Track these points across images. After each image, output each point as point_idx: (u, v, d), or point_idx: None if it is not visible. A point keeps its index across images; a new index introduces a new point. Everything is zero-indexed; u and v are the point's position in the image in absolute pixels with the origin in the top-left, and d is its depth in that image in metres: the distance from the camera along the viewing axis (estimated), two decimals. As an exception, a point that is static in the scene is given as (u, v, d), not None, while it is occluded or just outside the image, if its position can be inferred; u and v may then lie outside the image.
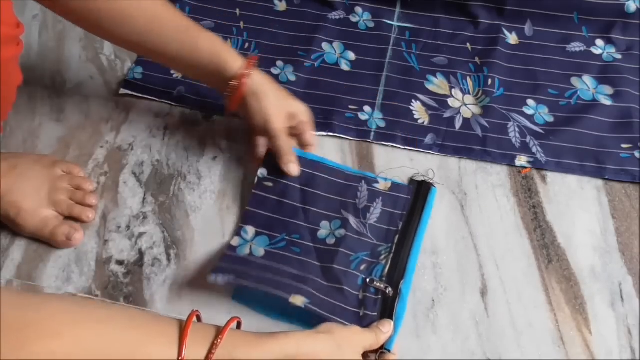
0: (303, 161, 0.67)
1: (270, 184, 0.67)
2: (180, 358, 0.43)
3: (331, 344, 0.50)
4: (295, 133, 0.67)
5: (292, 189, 0.66)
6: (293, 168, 0.66)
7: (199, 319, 0.51)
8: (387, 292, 0.59)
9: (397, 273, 0.60)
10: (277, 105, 0.63)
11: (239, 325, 0.52)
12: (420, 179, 0.66)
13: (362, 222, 0.64)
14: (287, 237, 0.63)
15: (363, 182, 0.67)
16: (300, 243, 0.63)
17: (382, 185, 0.66)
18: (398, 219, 0.64)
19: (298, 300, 0.56)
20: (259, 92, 0.62)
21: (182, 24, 0.61)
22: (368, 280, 0.60)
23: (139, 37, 0.60)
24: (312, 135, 0.68)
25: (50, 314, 0.39)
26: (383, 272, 0.61)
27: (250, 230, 0.64)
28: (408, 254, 0.62)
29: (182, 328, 0.44)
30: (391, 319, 0.57)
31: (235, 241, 0.64)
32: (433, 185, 0.66)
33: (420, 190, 0.66)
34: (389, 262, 0.61)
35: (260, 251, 0.63)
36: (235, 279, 0.57)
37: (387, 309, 0.58)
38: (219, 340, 0.45)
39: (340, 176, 0.67)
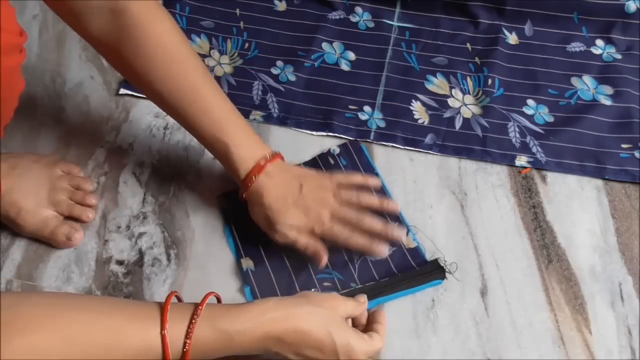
0: (369, 169, 0.68)
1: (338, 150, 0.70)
2: (163, 332, 0.43)
3: (311, 306, 0.49)
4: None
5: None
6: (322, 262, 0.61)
7: (179, 300, 0.51)
8: None
9: None
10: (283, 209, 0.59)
11: (218, 301, 0.53)
12: (442, 263, 0.62)
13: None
14: None
15: (395, 225, 0.62)
16: None
17: (406, 241, 0.63)
18: (389, 275, 0.61)
19: (246, 263, 0.62)
20: (256, 201, 0.59)
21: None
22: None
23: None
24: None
25: (28, 310, 0.41)
26: None
27: None
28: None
29: (162, 307, 0.45)
30: None
31: None
32: (445, 277, 0.61)
33: (430, 272, 0.61)
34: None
35: None
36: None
37: None
38: (199, 311, 0.46)
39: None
